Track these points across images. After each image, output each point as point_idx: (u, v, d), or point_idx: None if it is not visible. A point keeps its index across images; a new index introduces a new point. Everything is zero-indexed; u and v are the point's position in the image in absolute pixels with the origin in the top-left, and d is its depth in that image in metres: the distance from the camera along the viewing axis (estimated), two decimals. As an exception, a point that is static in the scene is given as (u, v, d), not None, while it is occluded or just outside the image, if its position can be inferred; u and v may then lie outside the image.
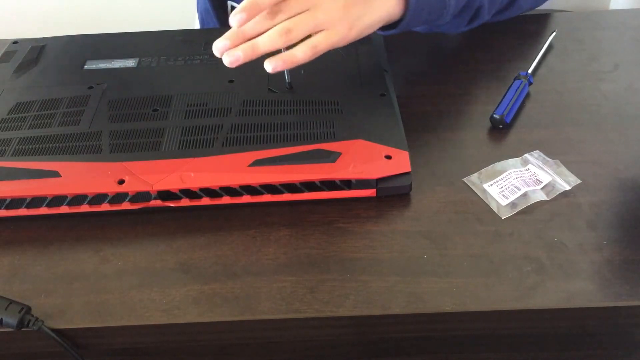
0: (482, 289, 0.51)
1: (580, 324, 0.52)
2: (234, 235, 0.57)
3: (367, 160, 0.59)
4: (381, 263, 0.54)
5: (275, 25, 0.59)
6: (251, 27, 0.59)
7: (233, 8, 0.62)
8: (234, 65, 0.59)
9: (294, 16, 0.59)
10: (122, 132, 0.62)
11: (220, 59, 0.72)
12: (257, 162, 0.59)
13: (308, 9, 0.60)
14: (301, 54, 0.59)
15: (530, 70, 0.73)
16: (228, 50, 0.59)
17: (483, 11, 0.75)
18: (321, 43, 0.60)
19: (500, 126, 0.67)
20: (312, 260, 0.54)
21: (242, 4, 0.58)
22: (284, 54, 0.59)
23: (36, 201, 0.58)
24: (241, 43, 0.59)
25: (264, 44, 0.58)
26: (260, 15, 0.59)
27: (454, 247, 0.55)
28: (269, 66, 0.59)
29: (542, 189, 0.59)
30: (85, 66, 0.73)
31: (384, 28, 0.67)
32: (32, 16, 1.69)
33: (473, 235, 0.56)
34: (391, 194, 0.59)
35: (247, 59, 0.59)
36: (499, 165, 0.62)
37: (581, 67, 0.76)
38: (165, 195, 0.58)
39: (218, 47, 0.59)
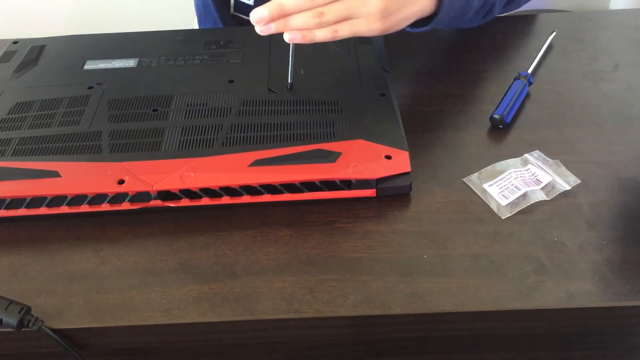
0: (482, 289, 0.51)
1: (580, 324, 0.52)
2: (234, 235, 0.57)
3: (367, 160, 0.59)
4: (381, 263, 0.54)
5: (312, 7, 0.59)
6: (290, 4, 0.59)
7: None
8: (264, 34, 0.60)
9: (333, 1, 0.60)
10: (122, 132, 0.62)
11: (220, 59, 0.73)
12: (257, 162, 0.59)
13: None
14: (320, 35, 0.60)
15: (530, 70, 0.73)
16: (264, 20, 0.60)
17: (495, 5, 0.76)
18: (343, 29, 0.60)
19: (500, 126, 0.67)
20: (312, 260, 0.54)
21: None
22: (304, 30, 0.60)
23: (36, 201, 0.58)
24: (278, 17, 0.60)
25: (295, 22, 0.59)
26: None
27: (454, 247, 0.55)
28: (287, 37, 0.60)
29: (542, 189, 0.59)
30: (85, 66, 0.73)
31: (413, 25, 0.68)
32: (32, 16, 1.69)
33: (473, 235, 0.56)
34: (391, 194, 0.59)
35: (277, 32, 0.60)
36: (499, 165, 0.62)
37: (581, 67, 0.76)
38: (165, 195, 0.58)
39: (257, 15, 0.60)
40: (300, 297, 0.51)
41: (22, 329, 0.49)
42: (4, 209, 0.58)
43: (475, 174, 0.61)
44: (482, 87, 0.73)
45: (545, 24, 0.84)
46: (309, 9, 0.59)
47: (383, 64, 0.72)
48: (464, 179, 0.61)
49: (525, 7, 0.91)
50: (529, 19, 0.86)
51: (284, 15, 0.60)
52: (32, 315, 0.50)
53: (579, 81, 0.73)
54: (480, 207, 0.58)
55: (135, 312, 0.51)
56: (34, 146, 0.61)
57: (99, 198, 0.58)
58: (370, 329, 0.52)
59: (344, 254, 0.55)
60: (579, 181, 0.60)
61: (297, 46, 0.63)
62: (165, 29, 0.80)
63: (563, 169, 0.61)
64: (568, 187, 0.60)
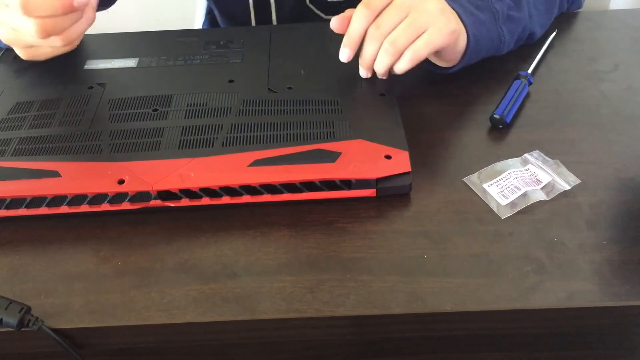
0: (482, 289, 0.51)
1: (580, 324, 0.52)
2: (234, 235, 0.57)
3: (367, 160, 0.59)
4: (381, 263, 0.54)
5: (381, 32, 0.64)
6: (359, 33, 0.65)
7: None
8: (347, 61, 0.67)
9: (396, 24, 0.63)
10: (122, 132, 0.62)
11: (220, 59, 0.73)
12: (257, 162, 0.59)
13: (407, 14, 0.63)
14: (404, 64, 0.64)
15: (530, 70, 0.73)
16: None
17: (534, 37, 0.77)
18: (421, 49, 0.64)
19: (500, 126, 0.67)
20: (312, 260, 0.54)
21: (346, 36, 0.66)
22: (383, 67, 0.65)
23: (36, 201, 0.58)
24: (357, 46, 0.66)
25: (376, 63, 0.65)
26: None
27: (454, 247, 0.55)
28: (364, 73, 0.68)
29: (542, 189, 0.59)
30: (85, 66, 0.73)
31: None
32: (32, 16, 1.69)
33: (473, 235, 0.56)
34: (391, 194, 0.59)
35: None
36: (499, 165, 0.62)
37: (581, 67, 0.76)
38: (165, 195, 0.58)
39: (344, 56, 0.67)
40: (300, 297, 0.51)
41: (22, 329, 0.49)
42: (4, 209, 0.58)
43: (475, 174, 0.61)
44: (482, 87, 0.73)
45: (545, 24, 0.84)
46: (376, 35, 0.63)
47: (383, 64, 0.72)
48: (464, 179, 0.61)
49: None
50: (529, 19, 0.86)
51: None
52: (32, 315, 0.50)
53: (579, 81, 0.73)
54: (480, 207, 0.58)
55: (135, 312, 0.51)
56: (34, 146, 0.61)
57: (99, 198, 0.58)
58: (370, 329, 0.52)
59: (344, 254, 0.55)
60: (579, 181, 0.60)
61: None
62: (165, 29, 0.80)
63: (563, 169, 0.61)
64: (568, 187, 0.60)
